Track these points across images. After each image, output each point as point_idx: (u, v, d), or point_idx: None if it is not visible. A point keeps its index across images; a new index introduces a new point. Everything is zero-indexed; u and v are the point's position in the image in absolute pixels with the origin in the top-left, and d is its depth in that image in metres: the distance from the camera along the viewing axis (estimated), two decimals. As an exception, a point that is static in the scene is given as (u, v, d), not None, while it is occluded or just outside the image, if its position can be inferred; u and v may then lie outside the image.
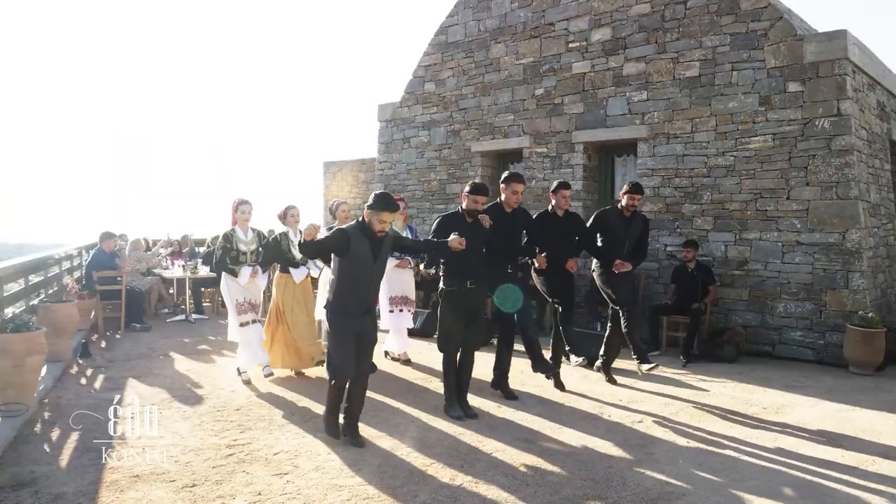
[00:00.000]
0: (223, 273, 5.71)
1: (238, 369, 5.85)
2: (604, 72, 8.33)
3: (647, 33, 7.95)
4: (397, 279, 6.46)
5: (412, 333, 6.98)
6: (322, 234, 4.56)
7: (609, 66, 8.27)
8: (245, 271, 5.69)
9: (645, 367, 5.54)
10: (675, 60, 7.73)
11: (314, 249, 4.20)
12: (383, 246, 4.20)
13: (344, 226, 4.35)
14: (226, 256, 5.65)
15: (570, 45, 8.64)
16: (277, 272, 5.96)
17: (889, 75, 8.26)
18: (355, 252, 4.07)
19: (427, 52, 10.35)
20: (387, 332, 6.57)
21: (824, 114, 6.80)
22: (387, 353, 6.68)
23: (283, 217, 5.94)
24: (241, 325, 5.71)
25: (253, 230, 5.83)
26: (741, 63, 7.28)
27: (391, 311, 6.44)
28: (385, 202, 4.07)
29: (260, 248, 5.85)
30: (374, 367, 4.53)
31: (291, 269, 5.87)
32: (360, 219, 4.18)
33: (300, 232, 5.99)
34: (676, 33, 7.73)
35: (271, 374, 5.86)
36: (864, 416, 5.00)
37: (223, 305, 10.15)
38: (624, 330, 5.67)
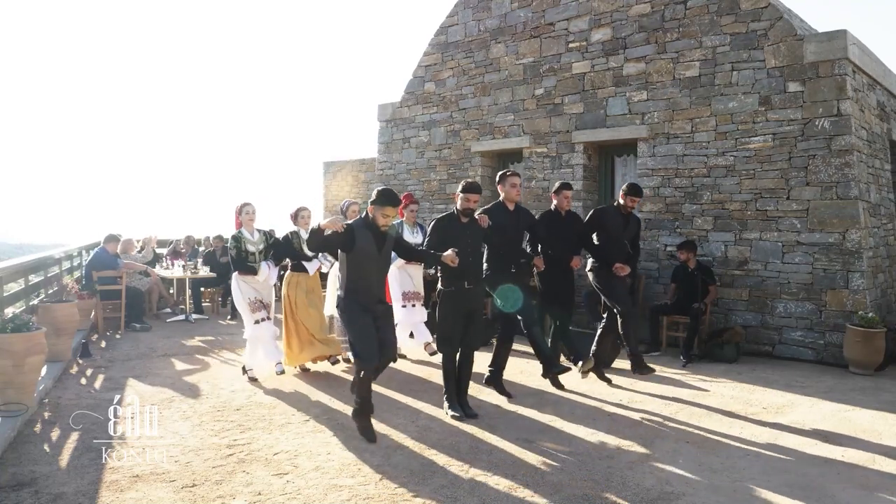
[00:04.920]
0: (235, 274, 5.91)
1: (244, 367, 6.00)
2: (604, 72, 8.33)
3: (647, 33, 7.95)
4: (408, 275, 6.56)
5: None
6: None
7: (609, 66, 8.27)
8: (264, 267, 5.93)
9: (639, 373, 5.59)
10: (675, 60, 7.73)
11: (321, 242, 4.28)
12: (387, 239, 4.38)
13: (349, 222, 4.44)
14: (240, 256, 5.88)
15: (570, 45, 8.64)
16: (289, 271, 6.22)
17: (889, 75, 8.26)
18: (360, 246, 4.25)
19: (427, 52, 10.35)
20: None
21: (824, 114, 6.80)
22: (404, 356, 6.67)
23: (295, 217, 6.24)
24: (256, 322, 5.86)
25: (258, 231, 6.08)
26: (741, 63, 7.28)
27: (404, 307, 6.48)
28: (387, 197, 4.28)
29: (268, 247, 6.06)
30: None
31: (305, 264, 6.16)
32: (365, 214, 4.39)
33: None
34: (676, 33, 7.72)
35: (283, 371, 5.98)
36: (864, 416, 5.00)
37: (223, 305, 10.24)
38: (621, 331, 5.67)
